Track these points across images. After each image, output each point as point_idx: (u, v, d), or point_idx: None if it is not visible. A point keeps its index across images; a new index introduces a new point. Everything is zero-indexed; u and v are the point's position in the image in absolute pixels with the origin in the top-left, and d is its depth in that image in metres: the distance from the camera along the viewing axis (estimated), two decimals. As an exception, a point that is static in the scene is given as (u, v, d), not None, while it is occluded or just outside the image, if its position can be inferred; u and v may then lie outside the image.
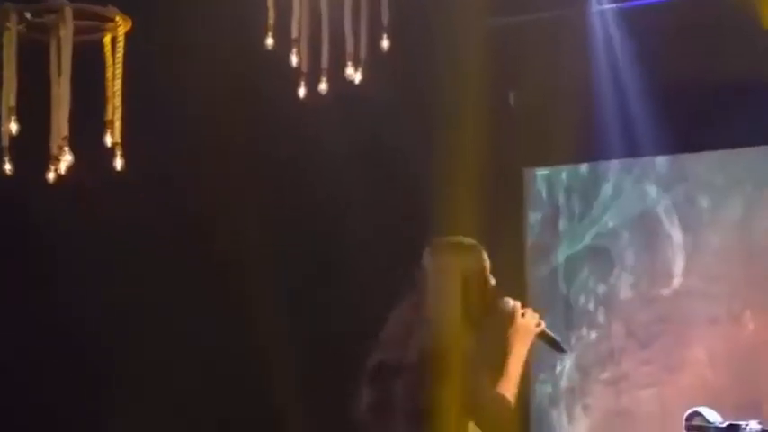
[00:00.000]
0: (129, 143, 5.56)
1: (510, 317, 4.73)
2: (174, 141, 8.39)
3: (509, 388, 4.54)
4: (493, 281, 4.69)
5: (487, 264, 4.69)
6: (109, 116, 5.50)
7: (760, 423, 6.32)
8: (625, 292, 9.04)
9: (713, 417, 6.90)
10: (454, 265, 4.60)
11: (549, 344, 4.80)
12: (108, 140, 5.52)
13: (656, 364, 8.84)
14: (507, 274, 9.07)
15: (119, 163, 5.52)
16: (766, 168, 8.65)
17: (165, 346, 8.52)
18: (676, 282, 8.86)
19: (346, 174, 8.59)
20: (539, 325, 4.73)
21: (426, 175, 8.39)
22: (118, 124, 5.50)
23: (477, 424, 4.49)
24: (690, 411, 7.09)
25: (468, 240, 4.80)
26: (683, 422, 7.04)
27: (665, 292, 8.89)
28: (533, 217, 9.39)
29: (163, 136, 8.19)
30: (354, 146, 8.58)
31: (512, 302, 4.77)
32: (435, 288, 4.56)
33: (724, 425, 6.54)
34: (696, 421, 6.90)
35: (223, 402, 8.77)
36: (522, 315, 4.73)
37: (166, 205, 8.58)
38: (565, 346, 4.83)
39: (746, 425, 6.28)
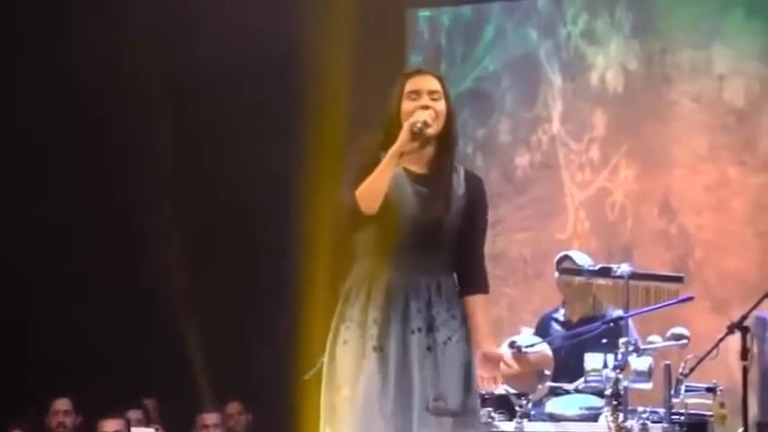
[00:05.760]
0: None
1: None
2: None
3: (362, 189, 4.38)
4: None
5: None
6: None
7: (630, 266, 6.40)
8: (504, 136, 9.05)
9: (583, 260, 6.98)
10: None
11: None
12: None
13: (532, 209, 8.91)
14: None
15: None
16: (646, 13, 8.64)
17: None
18: (555, 127, 8.88)
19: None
20: (412, 120, 4.41)
21: (306, 15, 8.26)
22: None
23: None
24: (560, 255, 7.16)
25: None
26: (555, 265, 7.12)
27: (544, 137, 8.92)
28: (414, 59, 9.30)
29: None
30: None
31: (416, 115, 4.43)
32: None
33: (596, 267, 6.62)
34: (566, 264, 6.98)
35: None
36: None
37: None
38: (418, 126, 4.35)
39: (618, 267, 6.35)
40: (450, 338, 4.47)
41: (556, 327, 7.00)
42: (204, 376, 8.71)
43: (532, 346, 6.37)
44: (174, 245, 8.62)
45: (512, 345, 6.37)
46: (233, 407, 8.84)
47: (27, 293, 8.72)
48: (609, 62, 8.74)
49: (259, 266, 8.75)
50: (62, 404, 8.33)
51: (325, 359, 4.52)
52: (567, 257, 7.04)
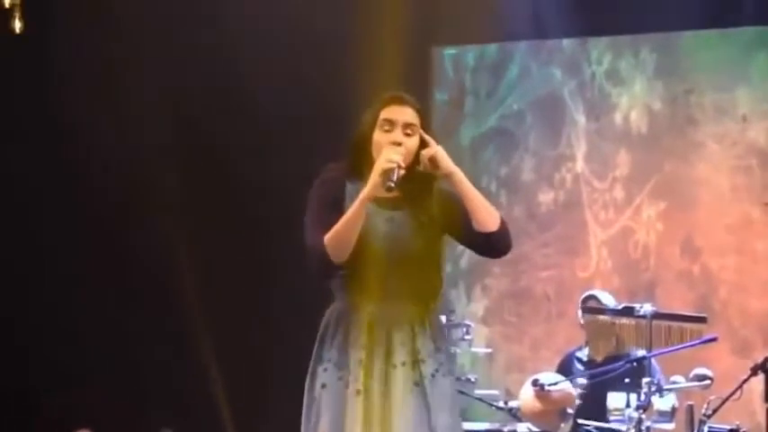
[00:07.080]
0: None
1: None
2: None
3: (331, 237, 4.11)
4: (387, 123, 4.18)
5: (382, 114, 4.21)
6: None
7: (653, 305, 6.43)
8: (527, 174, 9.09)
9: (607, 299, 7.02)
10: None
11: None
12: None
13: (556, 247, 8.93)
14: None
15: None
16: (670, 54, 8.69)
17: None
18: (579, 166, 8.92)
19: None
20: (385, 166, 4.11)
21: (335, 53, 8.32)
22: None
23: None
24: (585, 294, 7.20)
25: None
26: (579, 304, 7.15)
27: (568, 176, 8.96)
28: (439, 97, 9.37)
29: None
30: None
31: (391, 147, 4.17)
32: None
33: (619, 307, 6.64)
34: (591, 303, 7.02)
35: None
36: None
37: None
38: (391, 184, 4.08)
39: (641, 307, 6.38)
40: (437, 371, 4.22)
41: (579, 366, 7.03)
42: (227, 407, 8.72)
43: (555, 384, 6.40)
44: (190, 256, 8.60)
45: (535, 383, 6.40)
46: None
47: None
48: (633, 102, 8.79)
49: (277, 284, 8.67)
50: (84, 435, 8.37)
51: (304, 404, 4.27)
52: (592, 297, 7.08)
